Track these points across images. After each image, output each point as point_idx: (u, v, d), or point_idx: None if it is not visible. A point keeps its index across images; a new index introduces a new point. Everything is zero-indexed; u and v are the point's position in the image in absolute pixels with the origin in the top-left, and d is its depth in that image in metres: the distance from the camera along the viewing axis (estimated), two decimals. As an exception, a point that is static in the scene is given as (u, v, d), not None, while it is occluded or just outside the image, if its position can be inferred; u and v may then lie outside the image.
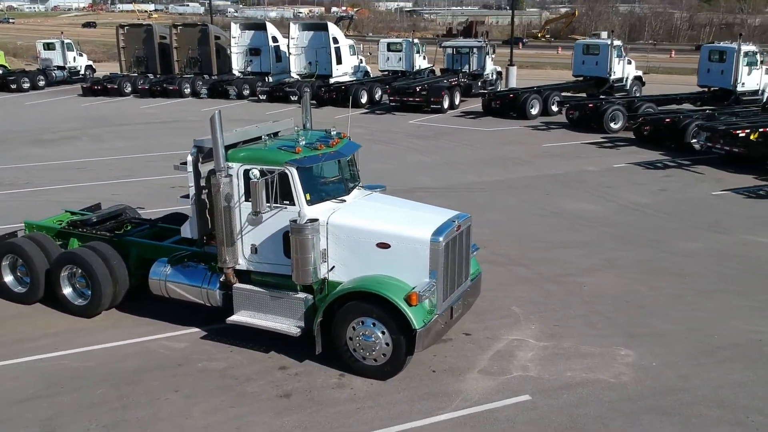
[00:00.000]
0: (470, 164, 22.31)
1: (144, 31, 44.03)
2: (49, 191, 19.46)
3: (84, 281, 11.15)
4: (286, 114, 33.22)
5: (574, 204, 17.60)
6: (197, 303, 10.55)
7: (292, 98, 36.92)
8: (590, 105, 28.00)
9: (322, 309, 9.28)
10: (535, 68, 56.90)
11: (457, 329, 10.42)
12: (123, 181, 20.50)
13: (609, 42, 33.37)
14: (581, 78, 34.80)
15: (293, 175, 9.40)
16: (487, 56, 37.38)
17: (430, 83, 34.38)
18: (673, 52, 74.82)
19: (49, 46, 48.92)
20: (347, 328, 9.23)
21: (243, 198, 9.69)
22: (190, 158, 9.93)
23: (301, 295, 9.64)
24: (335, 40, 39.14)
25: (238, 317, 9.99)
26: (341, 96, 34.94)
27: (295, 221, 9.23)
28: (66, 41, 48.85)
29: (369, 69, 42.47)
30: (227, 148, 9.66)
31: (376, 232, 9.27)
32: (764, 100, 28.40)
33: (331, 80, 38.28)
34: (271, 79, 40.44)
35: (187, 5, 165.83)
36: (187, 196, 10.26)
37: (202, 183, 10.13)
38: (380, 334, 9.06)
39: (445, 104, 32.95)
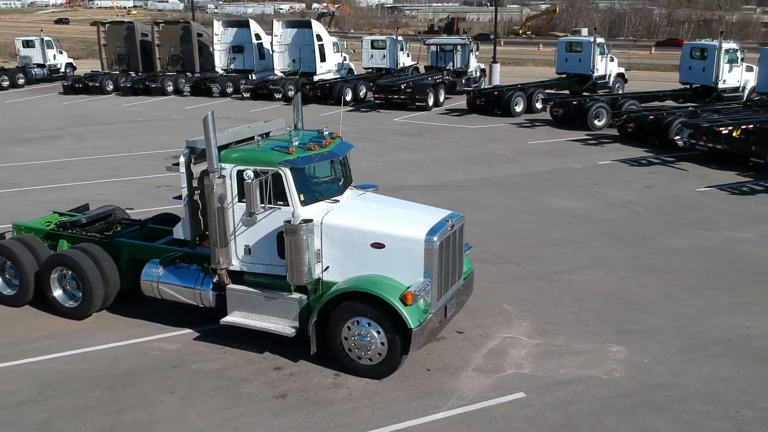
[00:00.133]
0: (457, 162, 22.40)
1: (125, 29, 43.67)
2: (33, 191, 19.28)
3: (75, 283, 11.07)
4: (270, 112, 33.17)
5: (562, 201, 17.74)
6: (190, 304, 10.51)
7: (276, 96, 36.82)
8: (574, 102, 28.22)
9: (317, 309, 9.30)
10: (518, 65, 57.20)
11: (450, 328, 10.48)
12: (108, 180, 20.35)
13: (592, 39, 33.61)
14: (564, 75, 35.05)
15: (287, 175, 9.40)
16: (471, 53, 37.48)
17: (415, 81, 34.44)
18: (653, 49, 75.54)
19: (28, 44, 48.38)
20: (342, 328, 9.26)
21: (236, 199, 9.67)
22: (182, 159, 9.88)
23: (296, 295, 9.64)
24: (319, 38, 39.07)
25: (232, 318, 9.97)
26: (326, 93, 34.88)
27: (289, 222, 9.24)
28: (46, 39, 48.33)
29: (353, 66, 42.44)
30: (219, 148, 9.63)
31: (371, 232, 9.30)
32: (745, 97, 28.83)
33: (315, 78, 38.21)
34: (254, 77, 40.28)
35: (167, 1, 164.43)
36: (179, 197, 10.22)
37: (195, 184, 10.09)
38: (375, 334, 9.09)
39: (430, 102, 33.02)
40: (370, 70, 40.76)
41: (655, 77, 46.63)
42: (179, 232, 10.30)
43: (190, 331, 10.77)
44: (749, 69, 29.45)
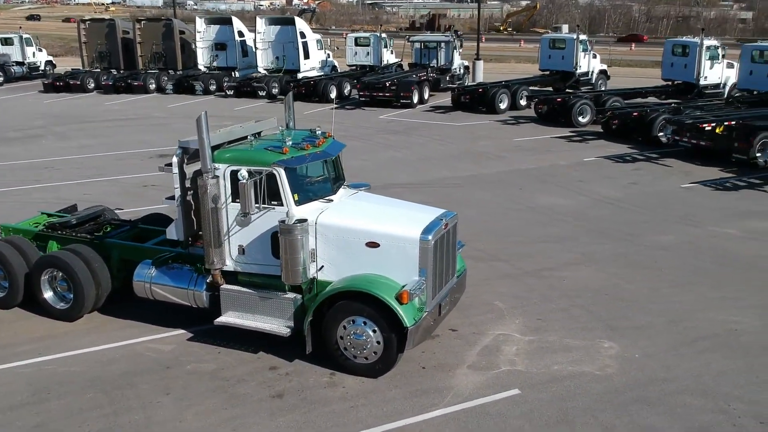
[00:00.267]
0: (443, 159, 22.48)
1: (106, 26, 43.30)
2: (17, 192, 19.08)
3: (65, 284, 10.98)
4: (255, 109, 33.09)
5: (548, 198, 17.87)
6: (183, 305, 10.49)
7: (260, 93, 36.70)
8: (558, 99, 28.42)
9: (312, 309, 9.31)
10: (500, 62, 57.43)
11: (444, 325, 10.54)
12: (93, 180, 20.19)
13: (575, 36, 33.83)
14: (548, 72, 35.26)
15: (281, 175, 9.40)
16: (455, 51, 37.58)
17: (400, 78, 34.47)
18: (633, 45, 76.24)
19: (6, 41, 47.78)
20: (338, 327, 9.28)
21: (230, 199, 9.66)
22: (175, 159, 9.83)
23: (290, 295, 9.65)
24: (303, 35, 38.97)
25: (226, 318, 9.96)
26: (310, 91, 34.82)
27: (283, 222, 9.25)
28: (25, 36, 47.77)
29: (336, 63, 42.38)
30: (212, 148, 9.59)
31: (366, 231, 9.33)
32: (726, 94, 29.18)
33: (299, 75, 38.13)
34: (237, 74, 40.12)
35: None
36: (172, 198, 10.18)
37: (188, 184, 10.05)
38: (371, 333, 9.13)
39: (415, 99, 33.09)
40: (354, 68, 40.72)
41: (636, 73, 47.04)
42: (172, 232, 10.26)
43: (183, 331, 10.74)
44: (730, 65, 29.81)
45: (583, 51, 33.80)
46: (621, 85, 33.61)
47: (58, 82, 41.28)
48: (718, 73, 29.58)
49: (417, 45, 39.27)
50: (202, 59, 41.50)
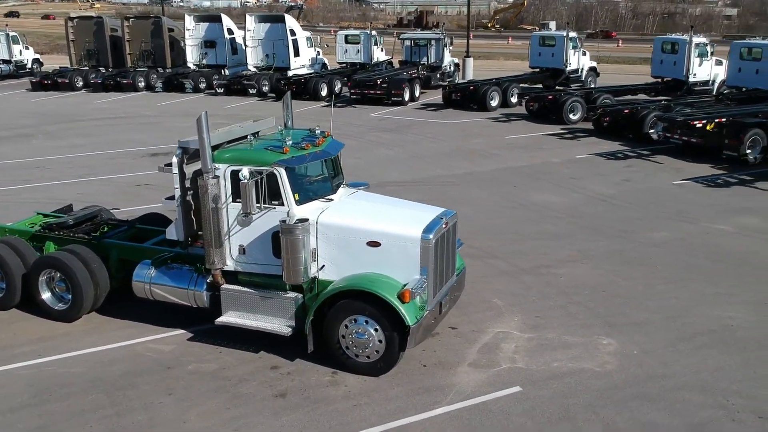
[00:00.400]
0: (437, 157, 22.53)
1: (94, 24, 43.06)
2: (9, 192, 18.95)
3: (64, 285, 10.94)
4: (246, 107, 33.05)
5: (542, 196, 17.97)
6: (183, 305, 10.47)
7: (251, 91, 36.61)
8: (550, 97, 28.54)
9: (313, 308, 9.34)
10: (488, 59, 57.54)
11: (443, 323, 10.58)
12: (86, 179, 20.08)
13: (565, 34, 33.97)
14: (538, 69, 35.39)
15: (282, 175, 9.41)
16: (445, 48, 37.65)
17: (391, 76, 34.48)
18: (620, 42, 76.60)
19: (-8, 39, 47.39)
20: (339, 326, 9.31)
21: (230, 199, 9.66)
22: (175, 159, 9.81)
23: (291, 294, 9.67)
24: (293, 32, 38.89)
25: (227, 318, 9.96)
26: (301, 89, 34.76)
27: (284, 221, 9.26)
28: (11, 34, 47.35)
29: (326, 61, 42.32)
30: (212, 148, 9.58)
31: (367, 230, 9.36)
32: (715, 90, 29.43)
33: (290, 73, 38.06)
34: (227, 72, 40.01)
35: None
36: (172, 198, 10.17)
37: (187, 184, 10.03)
38: (373, 332, 9.16)
39: (406, 97, 33.12)
40: (344, 65, 40.67)
41: (624, 70, 47.35)
42: (172, 232, 10.25)
43: (183, 331, 10.73)
44: (719, 63, 30.08)
45: (572, 48, 33.97)
46: (610, 82, 33.79)
47: (46, 81, 40.98)
48: (707, 70, 29.85)
49: (407, 42, 39.30)
50: (192, 57, 41.37)
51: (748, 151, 20.21)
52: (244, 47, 39.89)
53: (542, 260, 13.53)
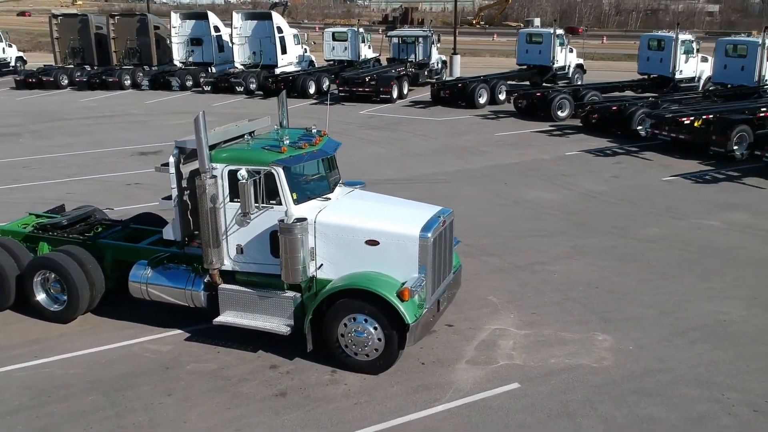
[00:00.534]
0: (428, 155, 22.59)
1: (79, 21, 42.62)
2: (-3, 192, 18.79)
3: (59, 286, 10.88)
4: (233, 105, 32.96)
5: (534, 193, 18.07)
6: (180, 305, 10.45)
7: (238, 89, 36.47)
8: (538, 94, 28.67)
9: (312, 307, 9.36)
10: (474, 56, 57.63)
11: (440, 321, 10.62)
12: (75, 179, 19.93)
13: (552, 31, 34.12)
14: (525, 66, 35.54)
15: (280, 174, 9.41)
16: (433, 45, 37.71)
17: (379, 73, 34.47)
18: (605, 38, 77.01)
19: (-25, 37, 46.87)
20: (339, 325, 9.33)
21: (228, 198, 9.65)
22: (172, 159, 9.79)
23: (290, 293, 9.68)
24: (280, 30, 38.81)
25: (225, 318, 9.96)
26: (289, 86, 34.63)
27: (282, 221, 9.27)
28: (-6, 31, 46.89)
29: (314, 58, 42.23)
30: (209, 148, 9.57)
31: (365, 229, 9.39)
32: (701, 87, 29.71)
33: (277, 70, 37.96)
34: (214, 70, 39.83)
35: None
36: (168, 198, 10.14)
37: (184, 184, 10.01)
38: (372, 330, 9.20)
39: (395, 94, 33.15)
40: (332, 63, 40.61)
41: (609, 67, 47.61)
42: (169, 232, 10.23)
43: (180, 331, 10.71)
44: (704, 59, 30.37)
45: (559, 45, 34.14)
46: (597, 79, 33.97)
47: (30, 79, 40.55)
48: (693, 66, 30.16)
49: (395, 40, 39.30)
50: (178, 55, 41.14)
51: (735, 148, 20.42)
52: (230, 45, 39.74)
53: (536, 257, 13.62)
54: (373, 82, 32.96)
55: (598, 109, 25.47)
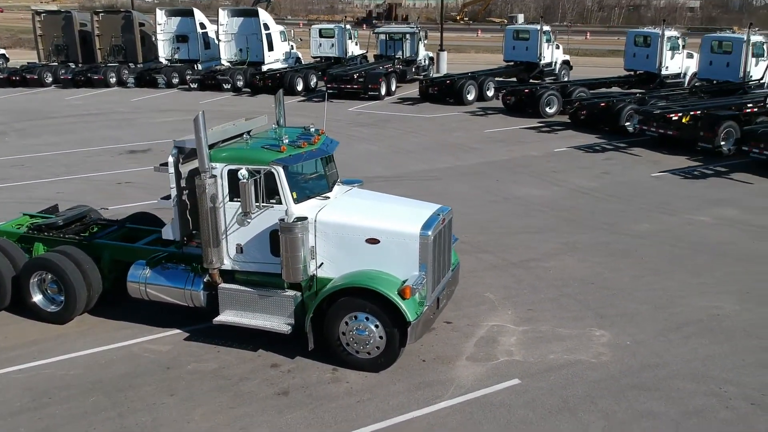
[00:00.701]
0: (418, 152, 22.65)
1: (62, 19, 42.23)
2: (-14, 191, 18.61)
3: (56, 287, 10.82)
4: (221, 102, 32.86)
5: (525, 189, 18.19)
6: (179, 305, 10.44)
7: (225, 86, 36.33)
8: (526, 90, 28.83)
9: (313, 306, 9.39)
10: (459, 52, 57.67)
11: (438, 318, 10.69)
12: (65, 178, 19.80)
13: (539, 27, 34.29)
14: (512, 63, 35.69)
15: (280, 174, 9.43)
16: (420, 42, 37.77)
17: (367, 70, 34.46)
18: (588, 34, 77.40)
19: (-44, 34, 46.26)
20: (340, 323, 9.37)
21: (227, 198, 9.65)
22: (171, 159, 9.77)
23: (290, 292, 9.70)
24: (266, 26, 38.67)
25: (225, 317, 9.96)
26: (277, 84, 34.56)
27: (283, 220, 9.29)
28: (-24, 29, 46.28)
29: (300, 55, 42.13)
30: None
31: (366, 228, 9.43)
32: (686, 83, 30.01)
33: (264, 67, 37.80)
34: (200, 67, 39.61)
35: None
36: (167, 197, 10.12)
37: (183, 184, 9.99)
38: (374, 328, 9.25)
39: (383, 91, 33.18)
40: (319, 59, 40.54)
41: (594, 63, 47.89)
42: (168, 232, 10.21)
43: (179, 331, 10.70)
44: (689, 56, 30.66)
45: (546, 42, 34.32)
46: (582, 75, 34.22)
47: (13, 77, 40.13)
48: (679, 63, 30.43)
49: (382, 36, 39.30)
50: (163, 52, 40.90)
51: (722, 143, 20.68)
52: (217, 42, 39.52)
53: (530, 254, 13.73)
54: (361, 79, 32.94)
55: (586, 106, 25.65)
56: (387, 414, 8.56)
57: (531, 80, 34.27)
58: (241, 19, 39.03)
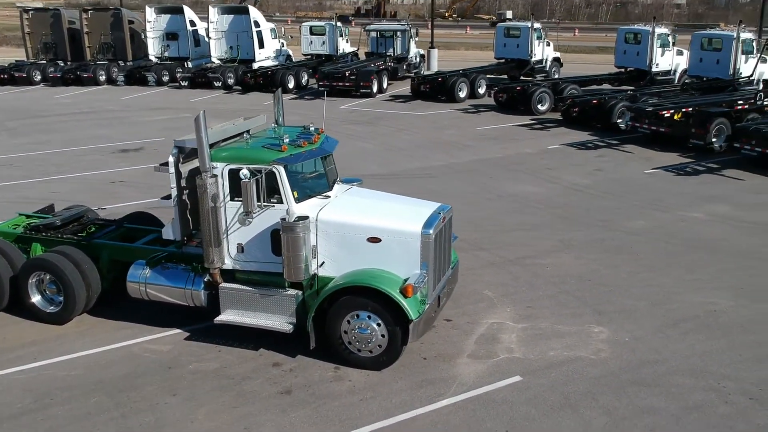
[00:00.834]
0: (412, 149, 22.69)
1: (51, 16, 41.88)
2: (-22, 191, 18.48)
3: (54, 287, 10.78)
4: (212, 100, 32.73)
5: (519, 187, 18.28)
6: (179, 305, 10.44)
7: (216, 84, 36.18)
8: (518, 88, 28.93)
9: (315, 304, 9.41)
10: (449, 49, 57.65)
11: (439, 316, 10.75)
12: (57, 177, 19.68)
13: (530, 25, 34.40)
14: (503, 60, 35.77)
15: (281, 173, 9.44)
16: (411, 39, 37.79)
17: (359, 67, 34.43)
18: (576, 31, 77.67)
19: (-57, 32, 45.79)
20: (342, 322, 9.40)
21: (228, 197, 9.65)
22: (171, 159, 9.75)
23: (292, 291, 9.72)
24: (257, 24, 38.52)
25: (227, 317, 9.96)
26: (268, 81, 34.52)
27: (284, 219, 9.30)
28: (-38, 26, 45.86)
29: (291, 52, 42.03)
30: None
31: (367, 227, 9.47)
32: (676, 80, 30.20)
33: (255, 65, 37.66)
34: (190, 64, 39.44)
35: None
36: (168, 197, 10.11)
37: (183, 183, 9.98)
38: (376, 327, 9.28)
39: (375, 88, 33.15)
40: (310, 57, 40.45)
41: (583, 60, 47.97)
42: (169, 232, 10.20)
43: (179, 331, 10.69)
44: (679, 53, 30.85)
45: (537, 39, 34.43)
46: (572, 72, 34.36)
47: (2, 75, 39.78)
48: (669, 59, 30.61)
49: (373, 34, 39.28)
50: (153, 49, 40.67)
51: (714, 140, 20.85)
52: (207, 39, 39.34)
53: (527, 251, 13.81)
54: (353, 77, 32.89)
55: (578, 103, 25.77)
56: (390, 412, 8.61)
57: (522, 77, 34.39)
58: (232, 16, 38.88)
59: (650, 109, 22.03)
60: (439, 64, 41.32)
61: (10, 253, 11.18)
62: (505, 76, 35.67)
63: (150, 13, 40.28)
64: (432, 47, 41.68)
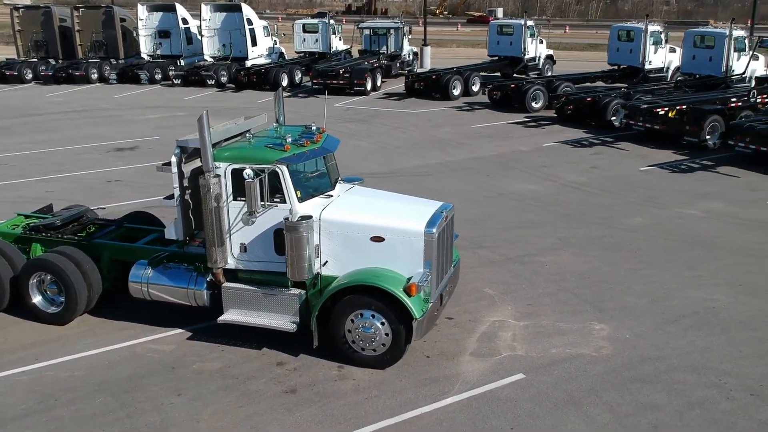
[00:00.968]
0: (408, 147, 22.72)
1: (42, 14, 41.58)
2: (-27, 191, 18.37)
3: (55, 288, 10.75)
4: (206, 99, 32.65)
5: (517, 185, 18.34)
6: (181, 305, 10.43)
7: (209, 82, 36.06)
8: (512, 85, 28.97)
9: (319, 304, 9.43)
10: (441, 46, 57.72)
11: (441, 314, 10.79)
12: (54, 177, 19.58)
13: (523, 22, 34.48)
14: (497, 58, 35.84)
15: (284, 173, 9.45)
16: (404, 37, 37.79)
17: (353, 65, 34.41)
18: (567, 28, 77.88)
19: (-68, 30, 45.45)
20: (345, 321, 9.43)
21: (231, 197, 9.65)
22: (174, 159, 9.74)
23: (295, 291, 9.73)
24: (249, 22, 38.44)
25: (230, 316, 9.96)
26: (261, 79, 34.44)
27: (288, 219, 9.31)
28: (-48, 24, 45.53)
29: (284, 50, 41.94)
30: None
31: (370, 226, 9.49)
32: (669, 77, 30.36)
33: (248, 63, 37.58)
34: (182, 62, 39.31)
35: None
36: (170, 197, 10.10)
37: (185, 183, 9.97)
38: (380, 325, 9.31)
39: (369, 86, 33.15)
40: (303, 54, 40.38)
41: (575, 57, 48.20)
42: (171, 232, 10.18)
43: (181, 330, 10.69)
44: (672, 50, 31.01)
45: (530, 36, 34.52)
46: (565, 69, 34.47)
47: (-7, 73, 39.59)
48: (662, 57, 30.79)
49: (366, 31, 39.25)
50: (145, 47, 40.50)
51: (708, 137, 20.98)
52: (199, 37, 39.23)
53: (526, 249, 13.87)
54: (347, 75, 32.86)
55: (573, 100, 25.86)
56: (396, 410, 8.64)
57: (515, 75, 34.48)
58: (224, 14, 38.76)
59: (644, 106, 22.14)
60: (431, 61, 41.37)
61: (10, 253, 11.14)
62: (499, 74, 35.75)
63: (142, 10, 40.11)
64: (425, 45, 41.68)
